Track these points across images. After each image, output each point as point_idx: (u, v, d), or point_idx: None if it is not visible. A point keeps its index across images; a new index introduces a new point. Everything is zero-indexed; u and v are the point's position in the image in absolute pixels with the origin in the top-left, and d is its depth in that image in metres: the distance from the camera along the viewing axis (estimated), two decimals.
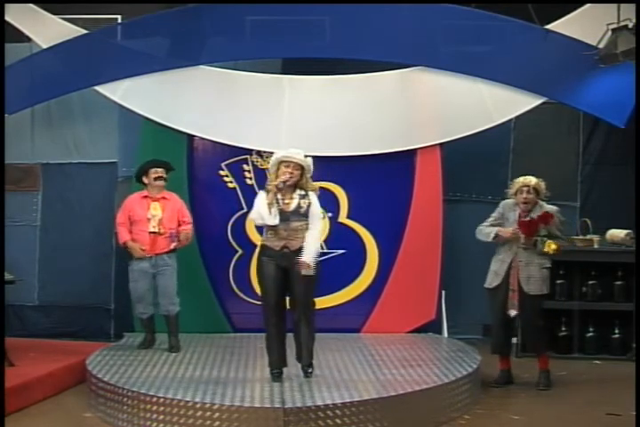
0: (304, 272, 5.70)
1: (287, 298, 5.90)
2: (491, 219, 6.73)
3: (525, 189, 6.54)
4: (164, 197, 7.02)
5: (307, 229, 5.78)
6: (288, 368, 6.06)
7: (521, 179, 6.62)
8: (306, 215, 5.78)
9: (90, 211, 8.28)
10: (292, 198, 5.77)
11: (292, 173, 5.73)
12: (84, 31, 7.59)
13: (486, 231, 6.66)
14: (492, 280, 6.65)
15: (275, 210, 5.69)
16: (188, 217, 7.09)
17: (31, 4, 7.52)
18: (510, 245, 6.58)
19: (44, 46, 7.55)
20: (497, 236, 6.58)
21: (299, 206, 5.77)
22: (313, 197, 5.84)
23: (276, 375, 5.82)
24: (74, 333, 8.21)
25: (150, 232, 6.90)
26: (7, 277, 6.60)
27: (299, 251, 5.74)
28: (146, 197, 7.01)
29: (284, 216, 5.73)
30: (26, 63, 7.58)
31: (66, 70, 7.59)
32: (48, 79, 7.57)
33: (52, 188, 8.39)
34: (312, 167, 5.86)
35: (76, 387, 6.49)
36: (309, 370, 5.93)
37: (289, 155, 5.78)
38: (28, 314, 8.33)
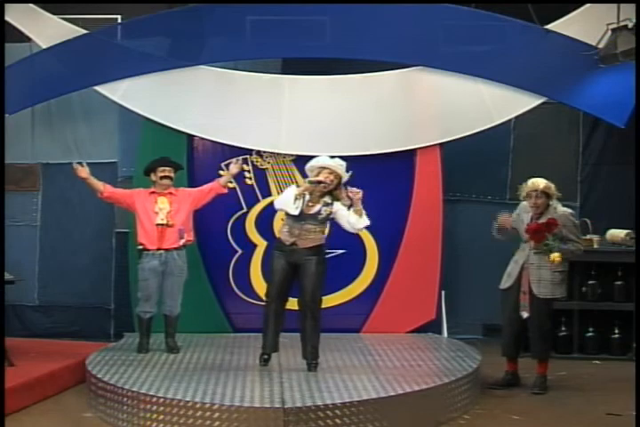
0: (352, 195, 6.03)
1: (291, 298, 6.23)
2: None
3: (534, 193, 6.45)
4: (170, 193, 6.99)
5: (318, 231, 6.11)
6: (288, 369, 6.13)
7: (529, 183, 6.49)
8: (322, 222, 6.10)
9: (90, 211, 8.27)
10: (317, 203, 6.08)
11: (332, 179, 6.05)
12: (84, 31, 7.58)
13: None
14: (504, 281, 6.62)
15: (300, 202, 5.99)
16: (206, 187, 7.12)
17: (31, 4, 7.52)
18: (524, 247, 6.55)
19: (44, 46, 7.54)
20: (499, 229, 6.50)
21: (319, 213, 6.09)
22: (337, 207, 6.12)
23: (264, 360, 6.19)
24: (74, 333, 8.22)
25: (158, 224, 6.83)
26: (7, 277, 6.61)
27: (307, 249, 6.07)
28: (153, 192, 6.98)
29: (302, 217, 6.05)
30: (26, 63, 7.58)
31: (66, 70, 7.59)
32: (48, 79, 7.57)
33: (52, 188, 8.39)
34: (347, 180, 6.17)
35: (76, 387, 6.48)
36: (313, 363, 6.12)
37: (333, 164, 6.09)
38: (28, 314, 8.34)
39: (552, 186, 6.47)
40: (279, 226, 6.43)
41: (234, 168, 7.17)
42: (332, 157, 6.25)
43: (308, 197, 6.04)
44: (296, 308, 6.21)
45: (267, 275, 7.52)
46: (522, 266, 6.52)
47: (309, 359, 6.16)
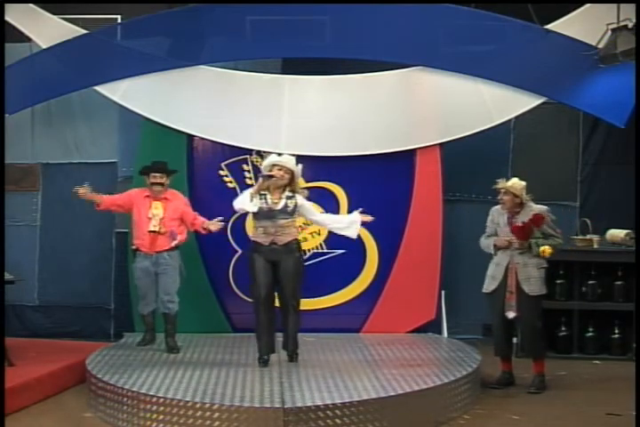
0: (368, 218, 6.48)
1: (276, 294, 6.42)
2: (487, 229, 6.76)
3: (503, 190, 6.53)
4: (165, 198, 7.03)
5: (292, 225, 6.33)
6: (288, 369, 6.14)
7: (499, 182, 6.57)
8: (291, 213, 6.30)
9: (90, 211, 8.21)
10: (280, 198, 6.28)
11: (282, 174, 6.24)
12: (84, 31, 7.59)
13: (485, 244, 6.72)
14: (488, 285, 6.65)
15: (256, 200, 6.20)
16: (195, 217, 7.06)
17: (31, 4, 7.52)
18: (505, 249, 6.58)
19: (44, 46, 7.55)
20: (495, 246, 6.61)
21: (286, 206, 6.28)
22: (300, 199, 6.35)
23: (263, 361, 6.25)
24: (74, 333, 8.23)
25: (150, 231, 6.91)
26: (7, 277, 6.61)
27: (286, 245, 6.27)
28: (147, 196, 7.03)
29: (272, 214, 6.25)
30: (26, 63, 7.58)
31: (66, 70, 7.59)
32: (48, 79, 7.57)
33: (52, 188, 8.39)
34: (301, 173, 6.39)
35: (76, 387, 6.49)
36: (295, 353, 6.33)
37: (281, 160, 6.31)
38: (28, 314, 8.34)
39: (519, 187, 6.52)
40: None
41: (213, 227, 6.97)
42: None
43: (269, 195, 6.24)
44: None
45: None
46: (506, 267, 6.55)
47: (290, 350, 6.33)
